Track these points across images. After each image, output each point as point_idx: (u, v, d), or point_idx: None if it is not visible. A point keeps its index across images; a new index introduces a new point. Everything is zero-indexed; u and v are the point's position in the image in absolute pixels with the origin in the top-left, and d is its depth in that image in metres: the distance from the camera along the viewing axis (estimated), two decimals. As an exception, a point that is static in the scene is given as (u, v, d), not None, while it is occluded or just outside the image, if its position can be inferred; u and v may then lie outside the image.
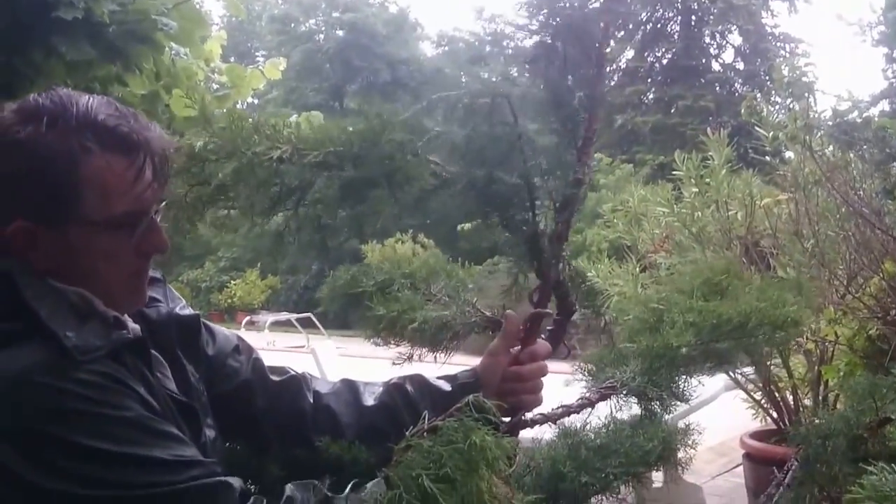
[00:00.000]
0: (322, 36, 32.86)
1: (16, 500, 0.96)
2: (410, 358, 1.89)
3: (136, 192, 1.09)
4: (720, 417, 5.18)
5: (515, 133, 1.46)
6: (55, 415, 0.96)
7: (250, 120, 1.52)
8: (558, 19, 1.52)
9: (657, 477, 4.17)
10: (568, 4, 1.55)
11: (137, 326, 1.17)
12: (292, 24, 33.13)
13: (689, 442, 2.04)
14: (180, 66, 3.88)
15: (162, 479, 1.00)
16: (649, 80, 26.44)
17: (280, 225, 1.63)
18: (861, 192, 3.48)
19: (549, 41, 1.54)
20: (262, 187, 1.48)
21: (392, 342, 1.85)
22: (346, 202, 1.53)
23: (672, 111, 24.63)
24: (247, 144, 1.45)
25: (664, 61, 26.83)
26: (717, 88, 25.93)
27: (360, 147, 1.46)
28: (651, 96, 26.33)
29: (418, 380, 1.51)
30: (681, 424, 2.09)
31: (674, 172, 4.55)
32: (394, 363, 1.95)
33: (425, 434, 1.00)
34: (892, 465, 1.13)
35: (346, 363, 8.39)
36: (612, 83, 24.64)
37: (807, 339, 3.59)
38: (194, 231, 1.61)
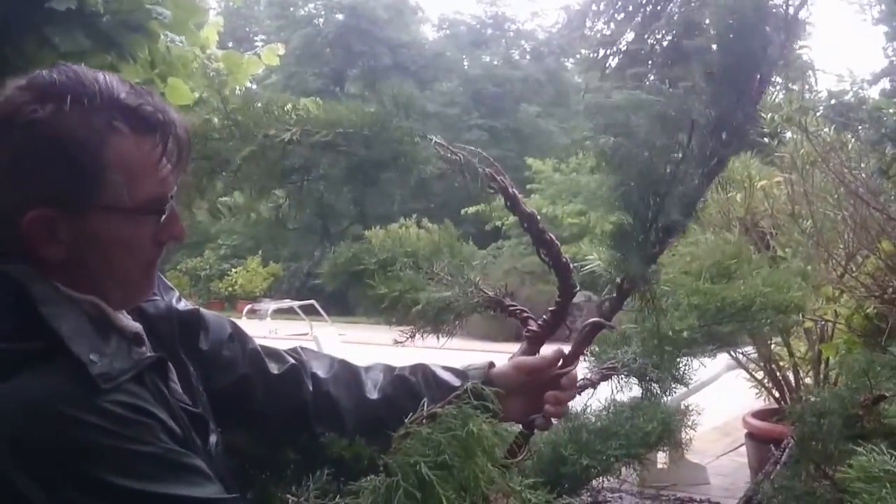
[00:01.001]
0: (321, 20, 32.56)
1: None
2: (413, 337, 1.87)
3: (161, 177, 1.03)
4: (725, 397, 5.21)
5: (674, 154, 1.40)
6: (78, 448, 0.92)
7: (258, 104, 1.49)
8: (728, 31, 1.41)
9: (661, 458, 4.20)
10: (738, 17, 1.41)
11: (138, 324, 1.12)
12: (291, 8, 32.84)
13: (689, 423, 2.06)
14: (175, 54, 3.86)
15: None
16: (650, 63, 26.27)
17: (280, 203, 1.59)
18: (857, 173, 3.48)
19: (705, 55, 1.46)
20: (272, 169, 1.45)
21: (393, 322, 1.84)
22: (353, 183, 1.50)
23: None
24: (259, 127, 1.43)
25: (664, 43, 26.64)
26: (718, 68, 25.76)
27: (370, 129, 1.43)
28: (652, 78, 26.15)
29: (423, 371, 1.43)
30: (681, 405, 2.11)
31: (673, 154, 4.54)
32: (395, 342, 1.93)
33: (424, 422, 1.01)
34: (885, 444, 1.13)
35: (348, 349, 8.40)
36: (613, 65, 24.55)
37: (804, 317, 3.60)
38: (191, 217, 1.59)
